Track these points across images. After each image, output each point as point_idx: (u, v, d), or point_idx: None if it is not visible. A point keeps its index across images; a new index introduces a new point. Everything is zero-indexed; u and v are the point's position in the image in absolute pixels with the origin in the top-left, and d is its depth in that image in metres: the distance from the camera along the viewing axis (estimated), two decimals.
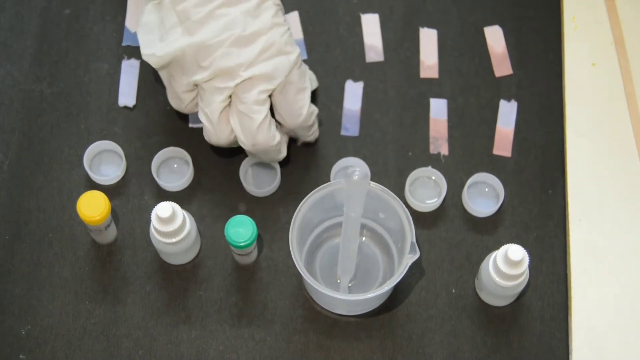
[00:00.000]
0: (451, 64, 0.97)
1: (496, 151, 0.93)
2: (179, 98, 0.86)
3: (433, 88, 0.96)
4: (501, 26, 0.99)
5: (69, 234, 0.88)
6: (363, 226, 0.87)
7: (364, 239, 0.88)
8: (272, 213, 0.89)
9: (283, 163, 0.91)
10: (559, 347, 0.84)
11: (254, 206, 0.90)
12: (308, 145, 0.92)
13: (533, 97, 0.95)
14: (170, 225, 0.81)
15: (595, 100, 0.94)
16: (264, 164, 0.91)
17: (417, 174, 0.91)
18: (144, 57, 0.84)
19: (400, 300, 0.86)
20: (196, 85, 0.84)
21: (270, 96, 0.84)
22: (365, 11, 0.99)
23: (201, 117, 0.84)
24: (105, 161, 0.92)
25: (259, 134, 0.83)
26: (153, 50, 0.83)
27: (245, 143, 0.84)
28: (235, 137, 0.84)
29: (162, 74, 0.86)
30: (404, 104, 0.95)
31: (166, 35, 0.84)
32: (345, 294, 0.84)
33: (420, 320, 0.85)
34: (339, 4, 1.00)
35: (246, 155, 0.91)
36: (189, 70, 0.83)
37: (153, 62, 0.84)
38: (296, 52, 0.84)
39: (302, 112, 0.85)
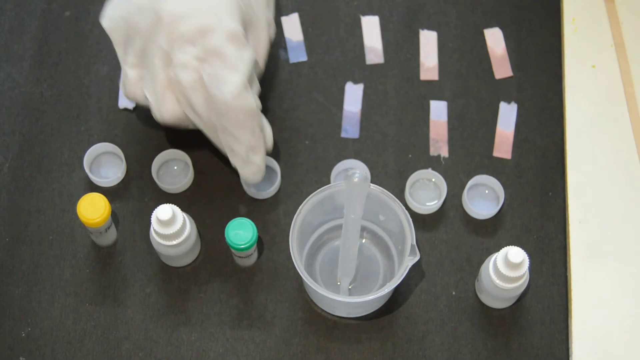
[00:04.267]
0: (451, 66, 0.97)
1: (496, 153, 0.93)
2: (124, 74, 0.83)
3: (433, 90, 0.96)
4: (501, 28, 0.99)
5: (69, 236, 0.88)
6: (363, 228, 0.87)
7: (364, 241, 0.88)
8: (273, 215, 0.89)
9: (283, 165, 0.91)
10: (559, 349, 0.84)
11: (254, 208, 0.90)
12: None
13: (533, 99, 0.95)
14: (171, 227, 0.81)
15: (595, 102, 0.94)
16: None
17: (417, 176, 0.91)
18: (103, 22, 0.82)
19: (400, 302, 0.86)
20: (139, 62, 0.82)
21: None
22: (366, 13, 1.00)
23: (146, 92, 0.82)
24: (106, 163, 0.92)
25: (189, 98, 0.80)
26: (109, 13, 0.82)
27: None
28: (183, 114, 0.82)
29: (119, 53, 0.83)
30: (404, 106, 0.95)
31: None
32: (346, 296, 0.84)
33: (420, 322, 0.85)
34: (339, 6, 1.00)
35: None
36: (134, 35, 0.81)
37: (105, 26, 0.82)
38: (231, 28, 0.78)
39: (220, 95, 0.78)
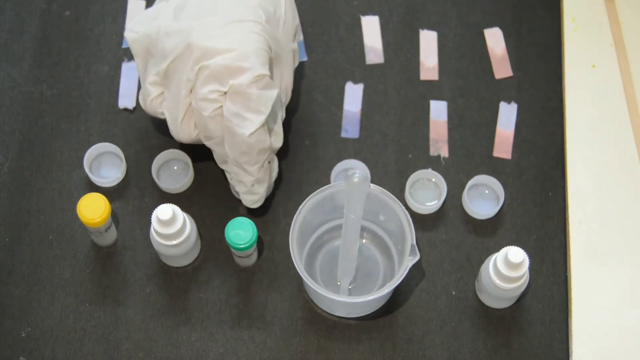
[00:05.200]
0: (451, 66, 0.97)
1: (496, 153, 0.93)
2: (145, 90, 0.84)
3: (433, 90, 0.96)
4: (501, 28, 0.99)
5: (69, 236, 0.88)
6: (363, 228, 0.87)
7: (364, 241, 0.88)
8: (273, 215, 0.89)
9: (283, 165, 0.91)
10: (559, 349, 0.84)
11: (254, 208, 0.90)
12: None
13: (533, 99, 0.95)
14: (171, 227, 0.81)
15: (595, 102, 0.94)
16: None
17: (417, 176, 0.91)
18: (126, 34, 0.84)
19: (400, 302, 0.86)
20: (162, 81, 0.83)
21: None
22: (366, 13, 1.00)
23: (166, 112, 0.84)
24: (106, 163, 0.92)
25: (208, 125, 0.82)
26: (134, 28, 0.83)
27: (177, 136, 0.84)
28: (198, 137, 0.84)
29: (138, 64, 0.85)
30: (404, 106, 0.95)
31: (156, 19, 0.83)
32: (346, 296, 0.84)
33: (420, 322, 0.85)
34: (339, 6, 1.00)
35: None
36: (157, 55, 0.82)
37: (128, 38, 0.84)
38: (258, 71, 0.79)
39: (240, 132, 0.79)
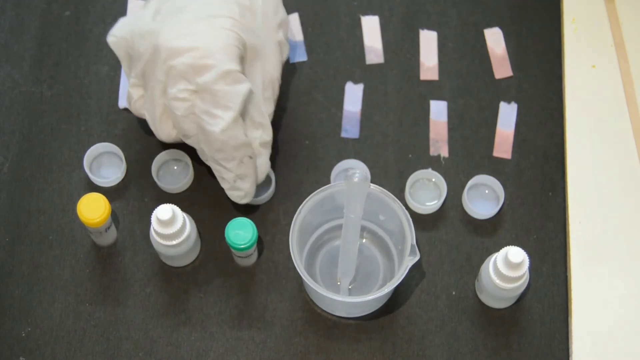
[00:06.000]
0: (451, 66, 0.97)
1: (496, 153, 0.93)
2: (128, 93, 0.86)
3: (433, 90, 0.96)
4: (501, 28, 0.99)
5: (69, 236, 0.88)
6: (363, 228, 0.87)
7: (364, 241, 0.88)
8: (273, 215, 0.89)
9: (283, 165, 0.91)
10: (559, 349, 0.84)
11: (254, 208, 0.90)
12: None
13: (533, 99, 0.95)
14: (171, 227, 0.81)
15: (595, 102, 0.94)
16: None
17: (417, 176, 0.91)
18: (107, 38, 0.85)
19: (400, 302, 0.86)
20: (140, 81, 0.84)
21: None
22: (366, 13, 1.00)
23: (145, 113, 0.85)
24: (106, 163, 0.92)
25: (177, 125, 0.83)
26: (114, 31, 0.85)
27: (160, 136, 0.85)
28: (178, 136, 0.85)
29: (124, 67, 0.87)
30: (404, 106, 0.95)
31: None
32: (346, 296, 0.84)
33: (420, 322, 0.85)
34: (339, 6, 1.00)
35: None
36: (134, 58, 0.84)
37: (109, 42, 0.85)
38: (224, 67, 0.79)
39: (211, 129, 0.80)
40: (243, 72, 0.82)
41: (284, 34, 0.88)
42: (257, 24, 0.85)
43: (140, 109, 0.86)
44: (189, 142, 0.84)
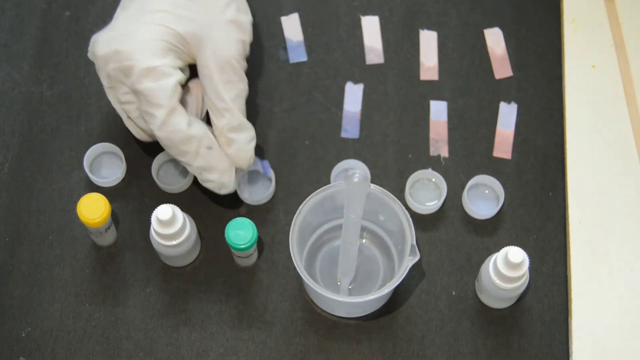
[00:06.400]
0: (451, 66, 0.97)
1: (496, 153, 0.93)
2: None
3: (433, 90, 0.96)
4: (501, 28, 0.99)
5: (69, 236, 0.88)
6: (363, 228, 0.87)
7: (364, 241, 0.88)
8: (273, 215, 0.89)
9: (283, 165, 0.91)
10: (559, 349, 0.84)
11: (254, 208, 0.90)
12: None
13: (533, 99, 0.95)
14: (171, 227, 0.81)
15: (595, 102, 0.94)
16: (259, 173, 0.90)
17: (417, 176, 0.91)
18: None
19: (400, 302, 0.86)
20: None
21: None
22: (365, 13, 1.00)
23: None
24: (106, 163, 0.92)
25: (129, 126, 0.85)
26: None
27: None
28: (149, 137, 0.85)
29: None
30: (404, 106, 0.95)
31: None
32: (346, 296, 0.84)
33: (420, 322, 0.85)
34: (339, 6, 1.00)
35: None
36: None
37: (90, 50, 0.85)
38: (144, 65, 0.79)
39: (151, 128, 0.80)
40: (182, 65, 0.82)
41: (236, 10, 0.85)
42: (197, 10, 0.83)
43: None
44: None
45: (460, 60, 0.97)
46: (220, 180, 0.83)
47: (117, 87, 0.82)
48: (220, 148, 0.83)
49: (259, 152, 0.92)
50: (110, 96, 0.84)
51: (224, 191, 0.84)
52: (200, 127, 0.82)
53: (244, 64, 0.85)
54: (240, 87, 0.84)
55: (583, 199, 0.90)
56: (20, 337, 0.84)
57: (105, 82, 0.83)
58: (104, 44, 0.81)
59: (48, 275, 0.87)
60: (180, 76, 0.81)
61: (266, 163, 0.89)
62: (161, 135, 0.80)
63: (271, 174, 0.89)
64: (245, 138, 0.83)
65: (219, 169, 0.83)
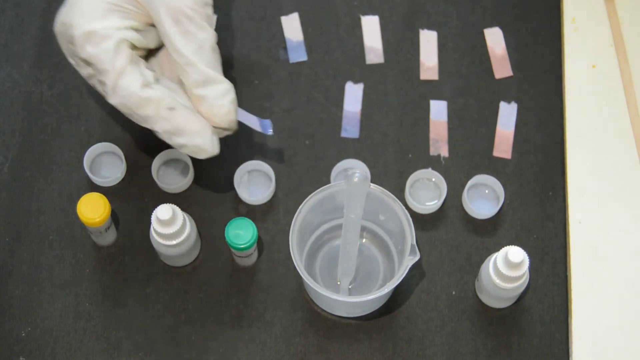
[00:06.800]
0: (451, 66, 0.97)
1: (496, 153, 0.93)
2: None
3: (433, 90, 0.96)
4: (501, 28, 0.99)
5: (69, 235, 0.88)
6: (363, 228, 0.87)
7: (364, 240, 0.88)
8: (272, 215, 0.89)
9: (283, 164, 0.91)
10: (560, 349, 0.84)
11: (254, 208, 0.90)
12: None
13: (533, 99, 0.95)
14: (171, 227, 0.81)
15: (595, 102, 0.94)
16: (259, 173, 0.90)
17: (417, 176, 0.91)
18: None
19: (400, 302, 0.86)
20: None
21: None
22: (365, 13, 1.00)
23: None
24: (106, 163, 0.92)
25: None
26: None
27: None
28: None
29: None
30: (404, 106, 0.95)
31: None
32: (346, 295, 0.84)
33: (420, 322, 0.85)
34: (339, 6, 1.00)
35: (241, 163, 0.90)
36: None
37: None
38: (79, 31, 0.75)
39: (107, 97, 0.76)
40: (137, 25, 0.78)
41: None
42: None
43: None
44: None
45: (460, 60, 0.97)
46: (193, 143, 0.77)
47: (78, 62, 0.78)
48: (191, 109, 0.78)
49: (259, 149, 0.92)
50: (83, 76, 0.80)
51: (202, 155, 0.79)
52: (160, 89, 0.77)
53: (205, 11, 0.78)
54: (200, 37, 0.77)
55: (583, 199, 0.90)
56: (20, 337, 0.84)
57: (71, 61, 0.80)
58: (56, 22, 0.78)
59: (48, 275, 0.87)
60: (123, 35, 0.76)
61: (267, 122, 0.83)
62: (115, 102, 0.76)
63: (271, 173, 0.89)
64: (215, 92, 0.77)
65: (187, 131, 0.77)
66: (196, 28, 0.77)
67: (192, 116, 0.78)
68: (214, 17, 0.78)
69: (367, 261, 0.87)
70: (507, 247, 0.80)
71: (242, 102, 0.94)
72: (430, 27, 0.99)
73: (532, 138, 0.93)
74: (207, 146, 0.78)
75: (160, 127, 0.77)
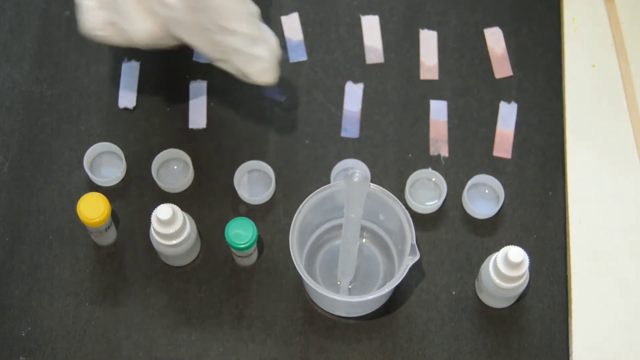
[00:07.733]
0: (451, 66, 0.97)
1: (496, 153, 0.93)
2: (82, 7, 0.81)
3: (433, 89, 0.96)
4: (501, 28, 0.99)
5: (69, 235, 0.88)
6: (363, 228, 0.87)
7: (364, 240, 0.88)
8: (272, 215, 0.89)
9: (283, 164, 0.91)
10: (559, 349, 0.84)
11: (254, 208, 0.90)
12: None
13: (533, 99, 0.95)
14: (171, 227, 0.81)
15: (595, 101, 0.94)
16: (259, 172, 0.90)
17: (417, 176, 0.91)
18: None
19: (400, 302, 0.86)
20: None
21: None
22: (365, 13, 0.99)
23: (116, 18, 0.80)
24: (106, 163, 0.92)
25: None
26: None
27: None
28: (159, 30, 0.78)
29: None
30: (404, 106, 0.95)
31: None
32: (346, 295, 0.84)
33: (420, 322, 0.85)
34: (339, 6, 1.00)
35: (241, 163, 0.90)
36: None
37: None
38: None
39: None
40: None
41: None
42: None
43: (100, 21, 0.80)
44: (180, 32, 0.77)
45: (460, 60, 0.97)
46: (269, 58, 0.77)
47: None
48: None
49: (259, 149, 0.92)
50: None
51: (266, 77, 0.79)
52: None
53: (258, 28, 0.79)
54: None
55: (583, 199, 0.90)
56: (20, 337, 0.84)
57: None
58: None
59: (48, 275, 0.87)
60: None
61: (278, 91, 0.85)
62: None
63: (271, 173, 0.89)
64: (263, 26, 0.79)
65: (266, 45, 0.77)
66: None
67: (267, 30, 0.78)
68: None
69: (367, 261, 0.87)
70: (507, 247, 0.80)
71: (242, 101, 0.94)
72: (430, 27, 0.99)
73: (532, 138, 0.94)
74: (275, 69, 0.79)
75: (248, 29, 0.75)
